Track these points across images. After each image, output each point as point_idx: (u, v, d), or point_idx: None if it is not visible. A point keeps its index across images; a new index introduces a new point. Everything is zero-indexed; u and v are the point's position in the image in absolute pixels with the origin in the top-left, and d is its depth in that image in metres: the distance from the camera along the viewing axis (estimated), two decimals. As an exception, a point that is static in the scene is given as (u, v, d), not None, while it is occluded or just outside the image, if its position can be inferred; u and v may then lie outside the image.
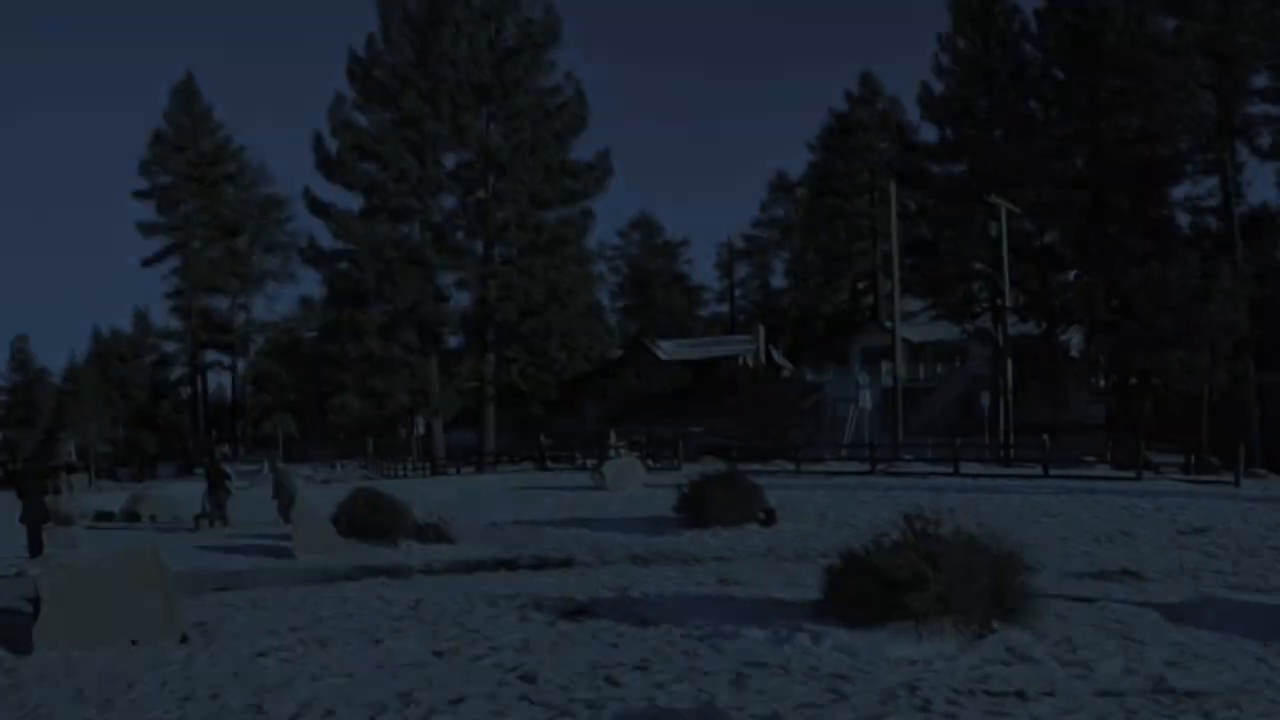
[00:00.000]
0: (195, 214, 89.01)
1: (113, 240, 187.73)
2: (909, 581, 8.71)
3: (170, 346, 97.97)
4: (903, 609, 8.57)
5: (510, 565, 16.76)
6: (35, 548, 19.55)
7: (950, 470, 33.01)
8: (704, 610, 9.87)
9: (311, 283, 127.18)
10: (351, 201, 58.99)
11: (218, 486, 25.32)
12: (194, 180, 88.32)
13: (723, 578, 13.09)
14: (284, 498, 25.38)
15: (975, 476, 31.11)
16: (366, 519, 19.35)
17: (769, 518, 21.43)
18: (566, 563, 17.16)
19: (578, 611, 10.05)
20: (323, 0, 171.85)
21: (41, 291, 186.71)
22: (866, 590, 9.03)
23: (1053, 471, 31.50)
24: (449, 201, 60.05)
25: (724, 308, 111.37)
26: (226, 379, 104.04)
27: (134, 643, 9.28)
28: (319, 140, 57.60)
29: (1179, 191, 56.54)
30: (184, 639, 9.65)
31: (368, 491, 20.89)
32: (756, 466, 35.75)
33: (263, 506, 27.29)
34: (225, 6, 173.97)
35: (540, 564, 16.98)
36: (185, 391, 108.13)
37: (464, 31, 56.78)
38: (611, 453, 46.85)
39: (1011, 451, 40.50)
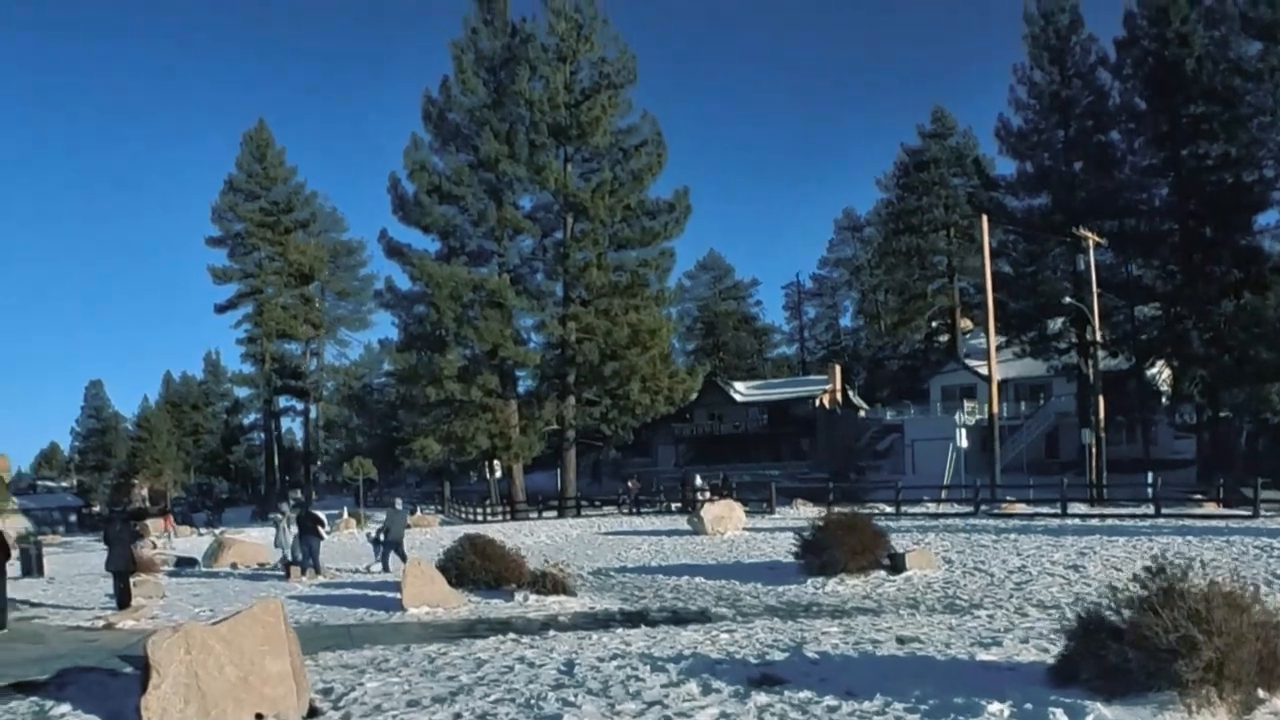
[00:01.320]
0: (268, 260, 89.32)
1: (185, 287, 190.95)
2: (1176, 647, 7.31)
3: (243, 392, 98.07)
4: (1166, 678, 7.27)
5: (642, 619, 15.39)
6: (123, 598, 18.63)
7: (1056, 510, 31.98)
8: (907, 677, 8.60)
9: (384, 328, 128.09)
10: (429, 244, 58.88)
11: (310, 533, 24.23)
12: (266, 227, 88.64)
13: (899, 636, 11.69)
14: (393, 540, 24.15)
15: (1083, 517, 29.99)
16: (478, 567, 18.07)
17: (896, 564, 19.95)
18: (703, 615, 15.84)
19: (765, 680, 8.67)
20: (393, 45, 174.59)
21: (115, 338, 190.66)
22: (1124, 658, 7.60)
23: (1164, 511, 30.15)
24: (527, 243, 59.68)
25: (793, 348, 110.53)
26: (296, 423, 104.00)
27: (259, 717, 7.98)
28: (395, 184, 57.44)
29: (1267, 218, 55.70)
30: (312, 712, 8.38)
31: (478, 539, 19.59)
32: (853, 509, 34.51)
33: (347, 552, 26.38)
34: (297, 54, 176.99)
35: (675, 617, 15.64)
36: (257, 436, 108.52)
37: (539, 72, 56.25)
38: (700, 496, 45.71)
39: (1104, 491, 39.20)
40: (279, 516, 28.48)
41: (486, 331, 53.53)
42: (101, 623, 16.92)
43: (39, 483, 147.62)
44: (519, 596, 16.96)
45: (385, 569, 24.32)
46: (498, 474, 56.95)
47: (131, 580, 19.31)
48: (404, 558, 23.28)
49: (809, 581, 19.63)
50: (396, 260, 58.35)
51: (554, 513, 51.73)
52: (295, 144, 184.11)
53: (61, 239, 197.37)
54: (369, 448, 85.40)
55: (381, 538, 27.15)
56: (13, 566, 21.85)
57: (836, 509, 34.71)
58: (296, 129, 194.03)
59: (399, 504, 29.06)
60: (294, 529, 27.96)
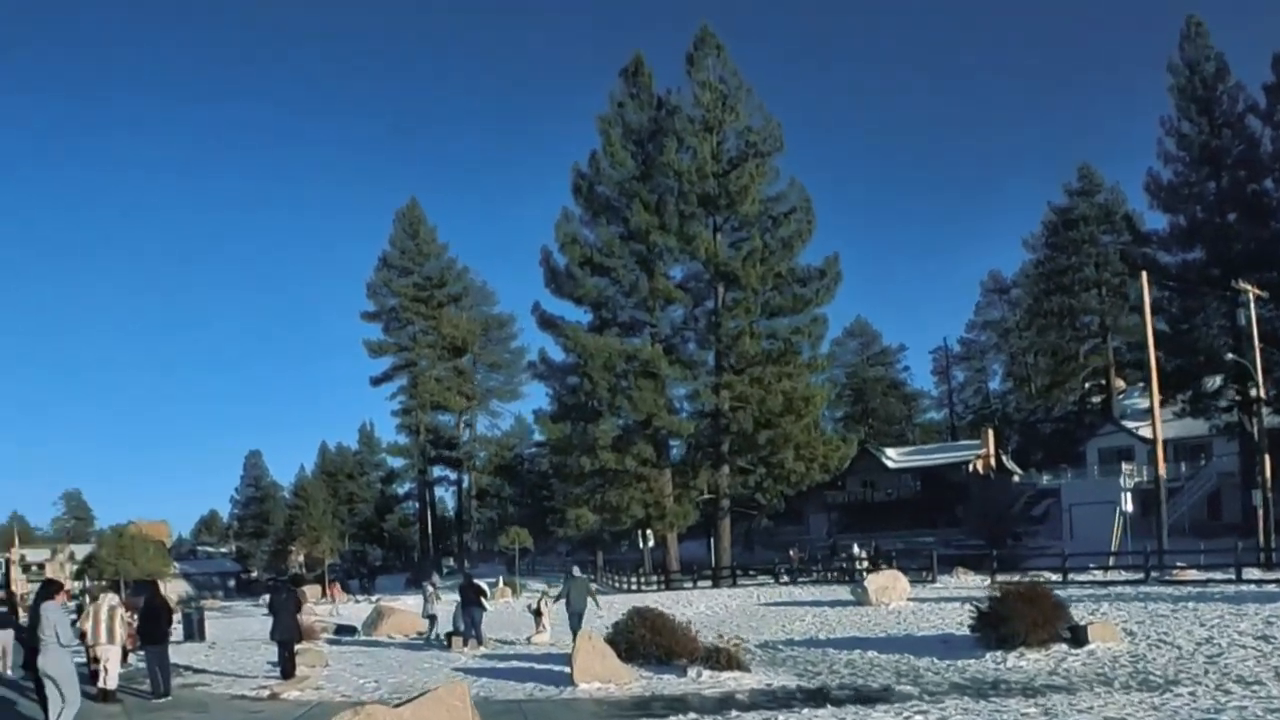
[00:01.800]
0: (422, 334, 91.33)
1: (341, 360, 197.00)
2: None
3: (398, 462, 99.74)
4: None
5: (825, 697, 14.86)
6: (287, 667, 18.57)
7: (1229, 576, 30.68)
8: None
9: (534, 399, 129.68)
10: (580, 316, 59.41)
11: (473, 603, 24.10)
12: (420, 301, 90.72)
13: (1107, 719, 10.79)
14: (576, 611, 23.62)
15: (1259, 582, 28.62)
16: (648, 641, 17.55)
17: (1077, 636, 19.00)
18: (886, 693, 15.33)
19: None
20: (540, 119, 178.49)
21: (273, 409, 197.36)
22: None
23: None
24: (678, 313, 59.65)
25: (941, 413, 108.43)
26: (448, 492, 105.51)
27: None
28: (547, 257, 58.23)
29: None
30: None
31: (647, 611, 19.12)
32: (1016, 577, 33.42)
33: (505, 622, 26.12)
34: (446, 134, 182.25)
35: (858, 695, 15.11)
36: (410, 505, 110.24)
37: (686, 143, 56.61)
38: (857, 565, 44.55)
39: (1275, 554, 37.24)
40: (429, 587, 28.55)
41: (640, 401, 53.65)
42: (266, 692, 16.93)
43: (199, 548, 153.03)
44: (691, 672, 16.40)
45: (573, 634, 23.32)
46: (650, 543, 56.58)
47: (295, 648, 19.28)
48: (581, 627, 22.74)
49: (987, 656, 18.90)
50: (549, 332, 59.07)
51: (708, 582, 51.42)
52: (445, 220, 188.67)
53: (223, 314, 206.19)
54: (520, 517, 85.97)
55: (539, 606, 26.95)
56: (175, 631, 22.16)
57: (1001, 578, 33.70)
58: (446, 205, 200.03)
59: (577, 571, 27.83)
60: (439, 599, 28.05)
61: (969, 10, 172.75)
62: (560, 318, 58.80)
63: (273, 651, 25.21)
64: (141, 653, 17.65)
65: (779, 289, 56.53)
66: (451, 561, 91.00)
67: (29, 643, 14.70)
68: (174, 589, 54.40)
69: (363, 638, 32.34)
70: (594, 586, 29.84)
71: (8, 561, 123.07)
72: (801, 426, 54.02)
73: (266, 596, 67.39)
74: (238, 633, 38.12)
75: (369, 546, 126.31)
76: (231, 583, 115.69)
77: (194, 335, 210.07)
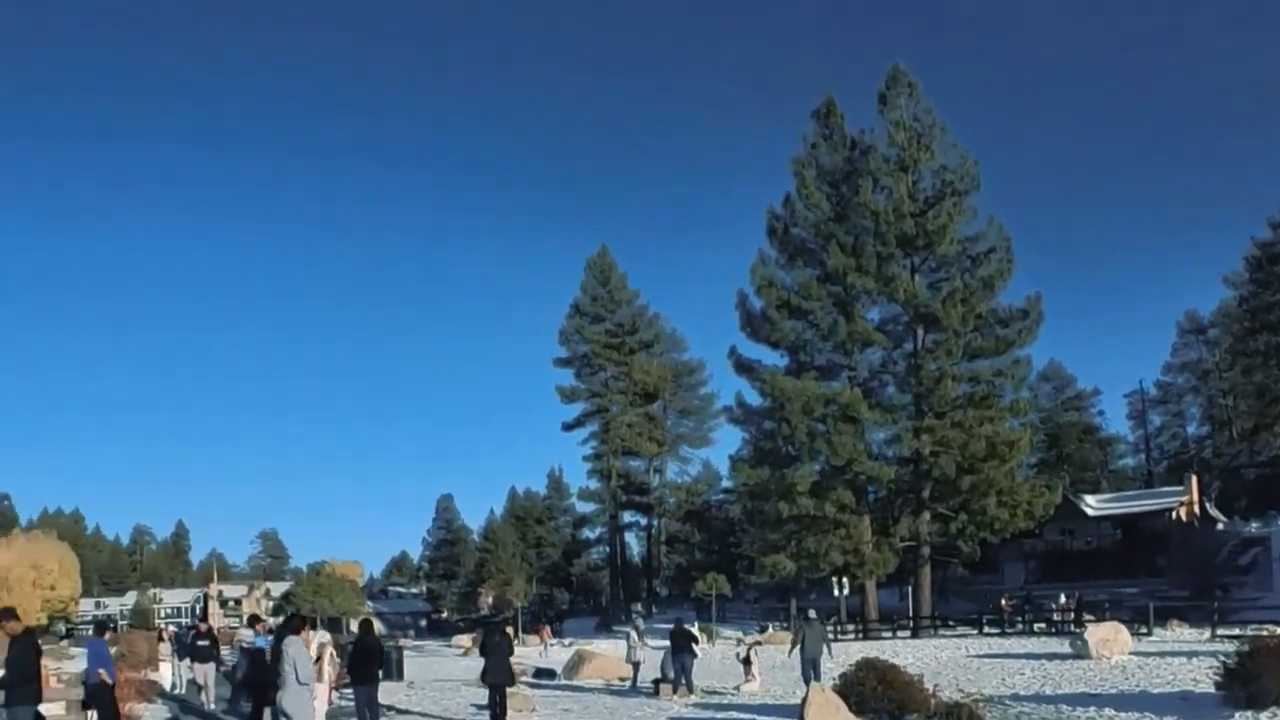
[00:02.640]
0: (613, 380, 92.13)
1: (530, 406, 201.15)
2: None
3: (587, 506, 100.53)
4: None
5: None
6: (497, 711, 18.40)
7: None
8: None
9: (724, 445, 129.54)
10: (776, 360, 58.93)
11: (684, 650, 23.58)
12: (612, 348, 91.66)
13: None
14: (810, 658, 22.83)
15: None
16: (879, 694, 16.72)
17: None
18: None
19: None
20: (729, 165, 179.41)
21: (464, 454, 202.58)
22: None
23: None
24: (876, 355, 58.88)
25: (1136, 459, 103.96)
26: (634, 537, 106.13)
27: None
28: (743, 300, 58.06)
29: None
30: None
31: (878, 662, 18.29)
32: (1235, 630, 32.93)
33: (707, 670, 25.50)
34: (636, 182, 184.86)
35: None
36: (598, 551, 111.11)
37: (880, 183, 55.96)
38: (1061, 615, 42.81)
39: None
40: (633, 632, 28.14)
41: (840, 445, 52.73)
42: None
43: (389, 588, 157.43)
44: None
45: (808, 684, 22.39)
46: (845, 591, 55.14)
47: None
48: (818, 676, 21.96)
49: (1236, 715, 17.52)
50: (745, 376, 58.83)
51: (907, 632, 50.33)
52: (633, 267, 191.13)
53: (417, 361, 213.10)
54: (708, 563, 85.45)
55: (748, 654, 26.33)
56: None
57: (1221, 630, 31.58)
58: (634, 251, 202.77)
59: (811, 614, 26.77)
60: (644, 645, 27.63)
61: (1159, 41, 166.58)
62: (757, 361, 58.61)
63: (473, 693, 25.27)
64: (346, 691, 17.55)
65: (980, 330, 55.24)
66: (639, 607, 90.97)
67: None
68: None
69: (564, 682, 32.15)
70: (829, 633, 28.97)
71: (206, 596, 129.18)
72: (1004, 472, 52.30)
73: (459, 637, 68.19)
74: (433, 672, 38.55)
75: (556, 590, 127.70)
76: (423, 622, 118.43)
77: (388, 384, 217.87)
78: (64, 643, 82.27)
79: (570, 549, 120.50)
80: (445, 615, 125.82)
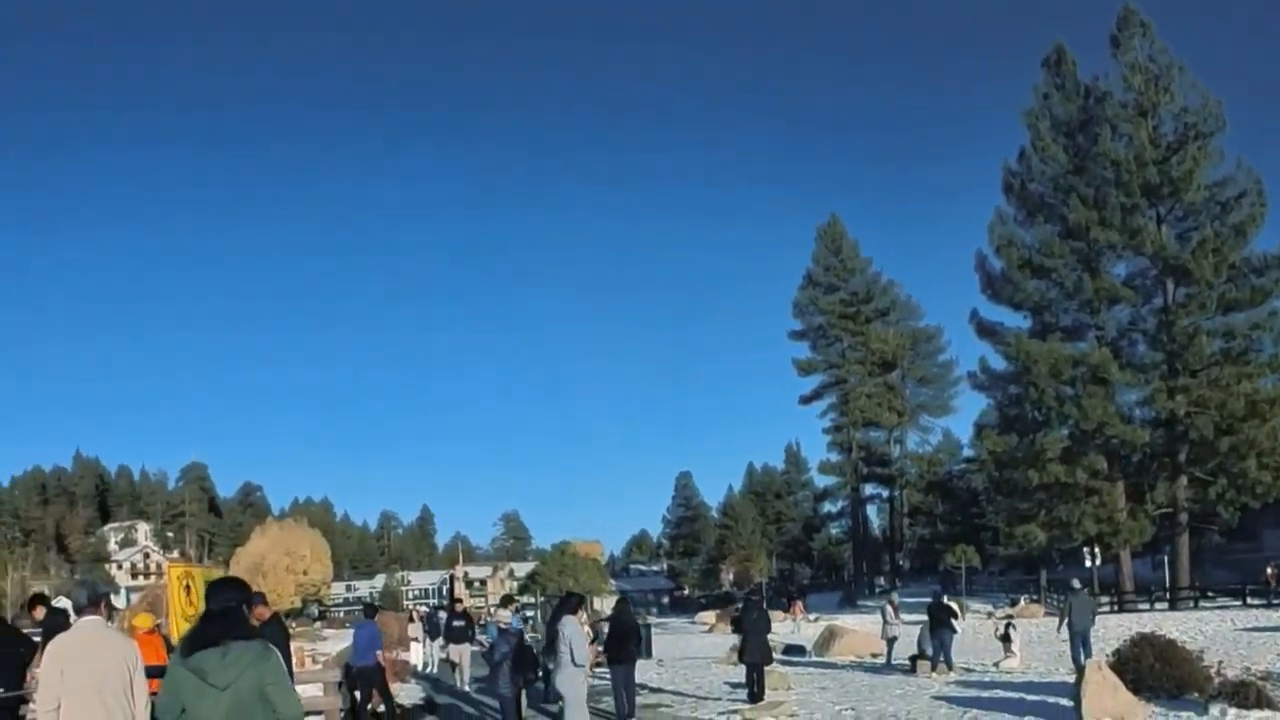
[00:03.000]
0: (850, 350, 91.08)
1: (765, 381, 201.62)
2: None
3: (827, 480, 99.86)
4: None
5: None
6: (755, 690, 18.26)
7: None
8: None
9: (965, 413, 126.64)
10: (1019, 321, 57.31)
11: (944, 625, 23.00)
12: (847, 318, 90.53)
13: None
14: (1079, 631, 22.10)
15: None
16: (1158, 672, 15.88)
17: None
18: None
19: None
20: (957, 123, 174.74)
21: (702, 432, 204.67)
22: None
23: None
24: (1124, 313, 56.32)
25: None
26: (874, 510, 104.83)
27: None
28: (982, 261, 56.51)
29: None
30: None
31: (1156, 638, 17.30)
32: None
33: (959, 645, 24.81)
34: (860, 150, 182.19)
35: None
36: (838, 524, 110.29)
37: (1120, 131, 53.39)
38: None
39: None
40: (888, 607, 27.68)
41: (1090, 409, 50.49)
42: (738, 717, 16.58)
43: (630, 566, 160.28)
44: (1214, 710, 14.41)
45: (1076, 661, 21.62)
46: (1098, 561, 52.87)
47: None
48: (1088, 652, 21.19)
49: None
50: (988, 340, 57.40)
51: (1164, 604, 47.85)
52: (864, 235, 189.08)
53: (650, 343, 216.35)
54: (952, 535, 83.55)
55: (1007, 630, 25.61)
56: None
57: None
58: (862, 220, 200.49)
59: (1076, 584, 25.38)
60: (899, 620, 27.13)
61: None
62: (999, 324, 57.17)
63: (724, 671, 25.34)
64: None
65: (1233, 281, 52.05)
66: (882, 580, 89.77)
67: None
68: (610, 606, 57.02)
69: (814, 658, 31.86)
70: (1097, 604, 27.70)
71: (452, 578, 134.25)
72: (1266, 432, 48.77)
73: (702, 614, 68.43)
74: (680, 650, 38.82)
75: (797, 565, 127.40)
76: (665, 599, 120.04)
77: (623, 366, 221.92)
78: (317, 624, 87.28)
79: (810, 523, 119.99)
80: (687, 592, 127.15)
